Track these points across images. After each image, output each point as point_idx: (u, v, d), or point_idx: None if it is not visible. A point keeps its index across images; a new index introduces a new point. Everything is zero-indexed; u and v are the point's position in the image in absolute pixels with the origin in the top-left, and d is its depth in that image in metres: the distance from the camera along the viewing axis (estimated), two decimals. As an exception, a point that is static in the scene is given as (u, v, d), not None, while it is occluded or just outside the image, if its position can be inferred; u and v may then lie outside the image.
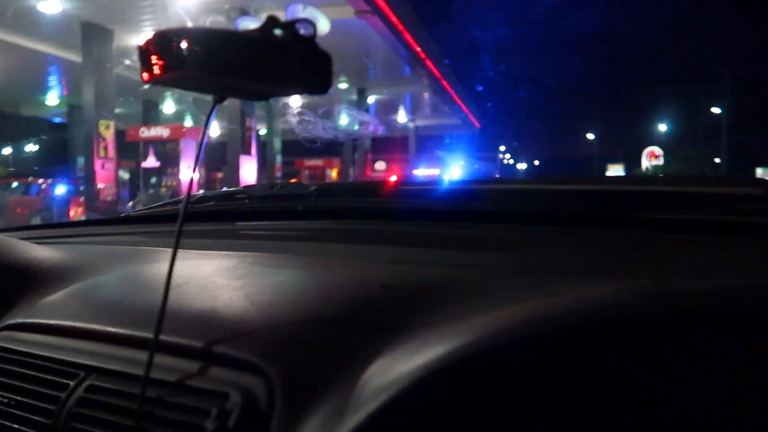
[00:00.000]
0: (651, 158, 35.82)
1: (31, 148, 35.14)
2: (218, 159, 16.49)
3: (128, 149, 13.22)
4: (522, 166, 67.48)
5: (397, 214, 0.93)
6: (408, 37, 13.36)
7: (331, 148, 23.53)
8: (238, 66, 0.44)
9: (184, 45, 0.42)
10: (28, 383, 0.55)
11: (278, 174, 20.53)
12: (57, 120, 21.48)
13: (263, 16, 0.45)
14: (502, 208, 0.87)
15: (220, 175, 21.13)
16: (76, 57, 11.69)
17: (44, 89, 17.67)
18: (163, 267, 0.50)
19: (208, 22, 0.45)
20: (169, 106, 16.90)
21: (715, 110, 26.24)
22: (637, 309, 0.41)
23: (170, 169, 12.60)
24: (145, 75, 0.44)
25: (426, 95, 19.84)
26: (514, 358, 0.38)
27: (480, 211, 0.88)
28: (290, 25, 0.44)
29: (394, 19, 12.00)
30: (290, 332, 0.50)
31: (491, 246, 0.74)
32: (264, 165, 20.54)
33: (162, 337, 0.48)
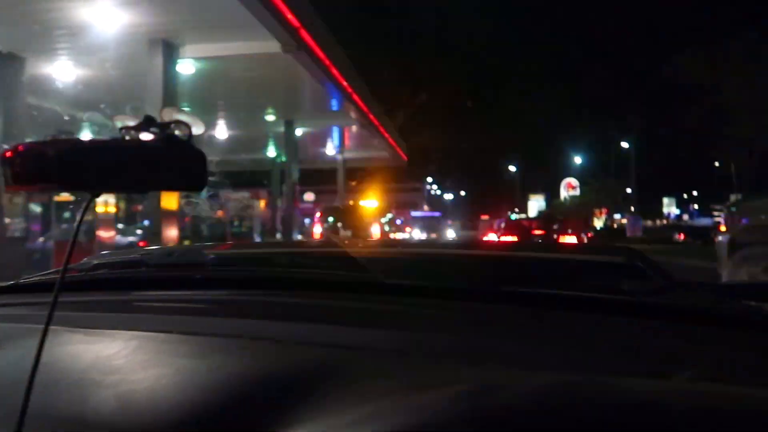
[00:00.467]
0: (569, 189, 37.65)
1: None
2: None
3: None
4: (448, 196, 69.06)
5: (295, 284, 0.93)
6: (335, 71, 13.51)
7: (258, 179, 23.25)
8: (108, 174, 0.44)
9: (50, 157, 0.42)
10: None
11: (201, 206, 19.98)
12: (-40, 150, 19.96)
13: (140, 116, 0.46)
14: (392, 279, 0.88)
15: (140, 208, 20.36)
16: (-18, 85, 11.03)
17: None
18: (45, 354, 0.46)
19: (85, 117, 0.45)
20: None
21: (625, 145, 28.01)
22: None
23: (86, 203, 12.01)
24: (11, 185, 0.44)
25: (354, 128, 20.05)
26: None
27: (372, 282, 0.89)
28: (165, 126, 0.45)
29: (320, 54, 12.12)
30: None
31: (374, 322, 0.73)
32: (188, 196, 19.95)
33: None
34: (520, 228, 19.09)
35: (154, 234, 10.93)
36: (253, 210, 19.34)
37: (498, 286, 0.79)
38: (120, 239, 12.79)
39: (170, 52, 10.49)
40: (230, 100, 14.51)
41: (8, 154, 0.43)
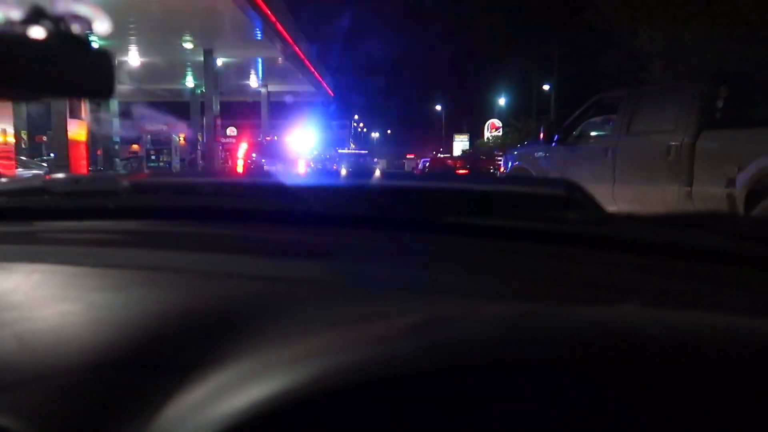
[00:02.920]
0: (492, 129, 38.49)
1: None
2: (43, 119, 14.78)
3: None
4: (375, 134, 69.08)
5: (219, 215, 0.86)
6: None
7: (177, 111, 22.14)
8: None
9: None
10: None
11: (116, 138, 18.95)
12: None
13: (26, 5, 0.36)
14: (325, 209, 0.83)
15: (44, 138, 19.00)
16: None
17: None
18: None
19: None
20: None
21: (546, 87, 28.80)
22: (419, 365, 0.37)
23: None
24: None
25: (279, 60, 19.31)
26: (312, 413, 0.35)
27: (302, 212, 0.84)
28: (59, 21, 0.38)
29: (241, -24, 11.42)
30: (62, 384, 0.42)
31: (308, 253, 0.70)
32: (99, 128, 18.78)
33: None
34: (445, 167, 19.42)
35: (60, 167, 10.24)
36: (172, 143, 18.47)
37: (439, 217, 0.76)
38: (22, 172, 11.90)
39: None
40: (143, 23, 13.49)
41: None
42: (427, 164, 22.62)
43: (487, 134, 38.44)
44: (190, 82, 22.39)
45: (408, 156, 46.61)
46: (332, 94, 28.77)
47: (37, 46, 0.37)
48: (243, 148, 18.91)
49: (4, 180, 2.01)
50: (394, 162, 45.16)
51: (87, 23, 0.39)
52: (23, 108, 12.98)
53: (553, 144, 6.89)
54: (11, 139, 11.16)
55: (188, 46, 16.55)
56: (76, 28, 0.38)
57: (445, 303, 0.51)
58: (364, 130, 67.89)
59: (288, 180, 0.96)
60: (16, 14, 0.36)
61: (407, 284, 0.57)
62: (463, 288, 0.56)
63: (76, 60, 0.39)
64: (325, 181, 1.17)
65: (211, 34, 15.57)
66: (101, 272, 0.64)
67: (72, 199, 0.96)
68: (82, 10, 0.39)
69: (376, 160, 42.43)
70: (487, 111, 42.48)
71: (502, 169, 9.70)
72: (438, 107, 54.47)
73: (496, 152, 21.84)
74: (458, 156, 30.51)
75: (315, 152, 27.65)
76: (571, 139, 6.69)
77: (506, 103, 40.93)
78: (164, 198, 0.97)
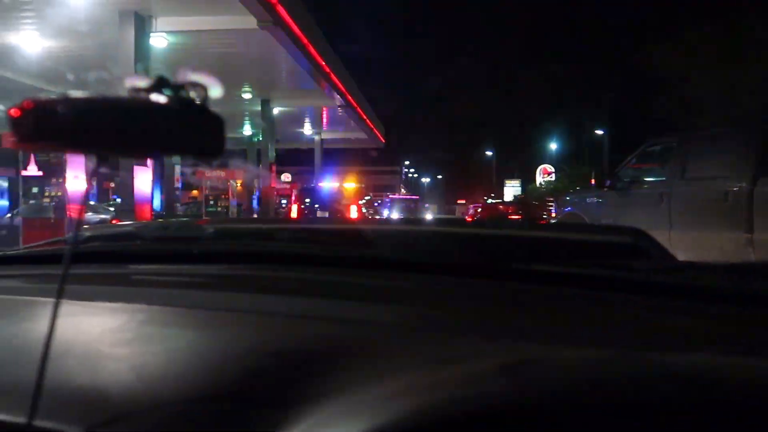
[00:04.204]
0: (544, 174, 38.01)
1: None
2: (111, 166, 15.60)
3: (7, 156, 12.15)
4: (425, 180, 69.27)
5: (295, 259, 0.90)
6: (312, 50, 13.33)
7: (234, 159, 22.94)
8: (117, 134, 0.42)
9: (57, 114, 0.40)
10: None
11: (178, 185, 19.73)
12: None
13: (153, 76, 0.43)
14: (399, 255, 0.86)
15: (112, 184, 19.98)
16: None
17: None
18: (43, 327, 0.45)
19: (94, 78, 0.42)
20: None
21: (599, 132, 28.38)
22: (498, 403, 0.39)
23: (55, 179, 11.73)
24: (14, 140, 0.42)
25: (331, 109, 19.87)
26: None
27: (377, 257, 0.86)
28: (180, 88, 0.43)
29: (297, 31, 11.93)
30: (174, 414, 0.46)
31: (389, 298, 0.72)
32: (162, 175, 19.61)
33: (37, 422, 0.43)
34: (496, 213, 19.23)
35: (125, 212, 10.73)
36: (230, 189, 19.10)
37: (508, 263, 0.77)
38: (91, 217, 12.54)
39: (142, 24, 10.22)
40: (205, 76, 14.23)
41: (16, 110, 0.41)
42: (479, 210, 22.44)
43: (539, 179, 37.99)
44: (247, 130, 23.27)
45: (458, 201, 46.37)
46: (383, 141, 29.20)
47: (160, 111, 0.42)
48: (297, 193, 19.36)
49: (98, 226, 2.11)
50: (444, 207, 45.01)
51: (203, 90, 0.44)
52: (91, 156, 13.73)
53: (606, 189, 6.80)
54: (83, 185, 11.84)
55: (247, 96, 17.29)
56: (192, 95, 0.43)
57: (524, 347, 0.51)
58: (415, 175, 68.26)
59: (359, 226, 1.02)
60: (143, 84, 0.42)
61: (480, 329, 0.58)
62: (539, 333, 0.56)
63: (192, 122, 0.43)
64: (394, 227, 1.19)
65: (268, 85, 16.23)
66: (195, 313, 0.68)
67: (162, 244, 1.03)
68: (198, 78, 0.44)
69: (426, 205, 42.44)
70: (539, 156, 42.05)
71: (554, 215, 9.57)
72: (489, 153, 54.35)
73: (547, 198, 21.49)
74: (509, 201, 30.17)
75: (367, 198, 27.96)
76: (623, 184, 6.57)
77: (558, 148, 40.45)
78: (244, 244, 1.02)
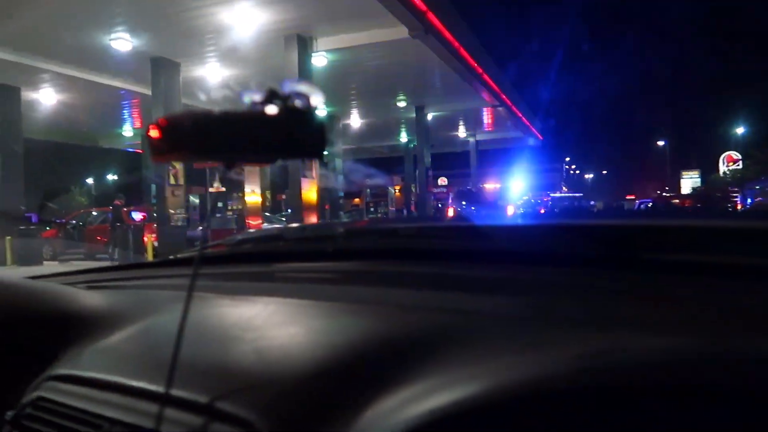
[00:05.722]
0: (729, 163, 34.05)
1: (110, 177, 37.35)
2: (283, 180, 16.92)
3: (198, 175, 13.77)
4: (589, 176, 65.60)
5: (417, 255, 0.94)
6: (464, 53, 13.32)
7: (391, 166, 23.71)
8: (237, 143, 0.48)
9: (184, 129, 0.47)
10: None
11: (341, 194, 20.87)
12: (132, 150, 22.67)
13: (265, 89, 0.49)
14: (516, 247, 0.86)
15: (283, 196, 21.70)
16: (146, 90, 12.36)
17: (120, 122, 18.76)
18: (195, 315, 0.54)
19: (221, 96, 0.47)
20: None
21: (798, 110, 24.69)
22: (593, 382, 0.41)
23: (235, 193, 13.04)
24: (152, 156, 0.49)
25: (486, 110, 19.68)
26: (487, 422, 0.41)
27: (492, 250, 0.88)
28: (288, 98, 0.48)
29: (448, 36, 12.00)
30: (288, 388, 0.53)
31: (498, 289, 0.74)
32: (327, 185, 20.92)
33: (173, 391, 0.52)
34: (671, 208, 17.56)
35: (296, 221, 11.57)
36: (388, 195, 19.74)
37: (638, 252, 0.73)
38: (267, 226, 13.67)
39: (304, 46, 10.99)
40: (362, 89, 14.91)
41: (153, 127, 0.47)
42: (650, 206, 20.69)
43: (722, 168, 34.15)
44: (403, 137, 23.90)
45: (627, 197, 43.29)
46: (541, 138, 28.22)
47: (272, 120, 0.47)
48: (453, 196, 19.43)
49: (250, 231, 2.44)
50: (612, 204, 42.25)
51: (306, 98, 0.48)
52: (267, 172, 15.06)
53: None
54: (258, 199, 13.02)
55: (402, 104, 17.76)
56: (299, 103, 0.48)
57: (620, 335, 0.51)
58: (577, 172, 65.00)
59: (481, 221, 1.00)
60: (257, 97, 0.48)
61: (590, 319, 0.58)
62: (642, 321, 0.55)
63: (299, 128, 0.48)
64: (522, 220, 1.18)
65: (422, 91, 16.53)
66: (320, 304, 0.76)
67: (300, 244, 1.15)
68: (303, 88, 0.48)
69: (592, 203, 40.19)
70: (720, 143, 37.75)
71: (739, 206, 8.52)
72: (661, 142, 49.96)
73: (730, 188, 19.09)
74: (687, 194, 27.44)
75: (525, 197, 27.21)
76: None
77: (746, 132, 35.95)
78: (371, 241, 1.10)
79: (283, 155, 0.51)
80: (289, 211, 14.30)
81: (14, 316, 0.81)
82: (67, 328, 0.79)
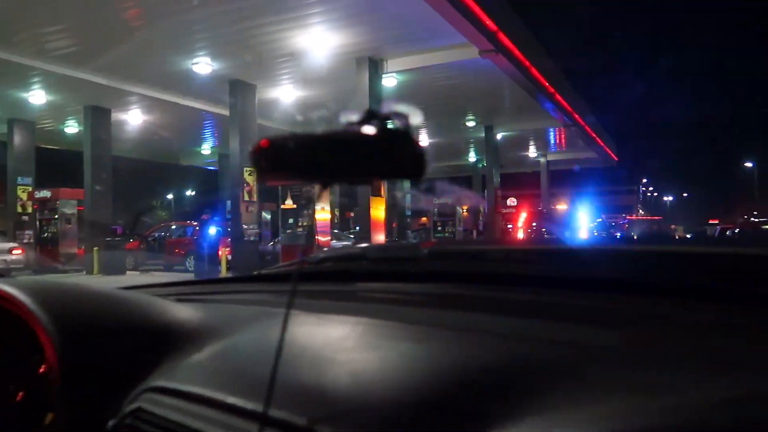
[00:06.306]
0: (825, 186, 31.55)
1: (189, 194, 39.16)
2: (351, 198, 17.16)
3: (271, 192, 14.22)
4: (668, 198, 62.71)
5: (504, 279, 0.90)
6: (534, 72, 13.13)
7: (460, 185, 23.57)
8: (336, 164, 0.47)
9: (287, 149, 0.47)
10: None
11: (408, 212, 20.90)
12: (210, 168, 23.69)
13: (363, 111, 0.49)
14: (616, 274, 0.81)
15: (351, 214, 21.98)
16: (224, 110, 12.93)
17: (199, 141, 19.67)
18: (278, 333, 0.54)
19: (315, 117, 0.50)
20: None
21: None
22: None
23: (306, 210, 13.33)
24: (258, 176, 0.50)
25: (557, 129, 19.27)
26: None
27: (597, 278, 0.83)
28: (387, 118, 0.47)
29: (519, 56, 11.88)
30: (387, 415, 0.51)
31: (602, 320, 0.69)
32: (394, 204, 21.03)
33: (271, 411, 0.52)
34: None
35: (363, 238, 11.70)
36: (456, 215, 19.60)
37: (751, 284, 0.68)
38: (335, 243, 13.90)
39: (375, 67, 11.18)
40: (431, 109, 14.96)
41: (255, 149, 0.48)
42: (736, 232, 19.50)
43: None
44: (471, 157, 23.72)
45: (710, 221, 40.97)
46: (616, 159, 27.28)
47: (372, 140, 0.46)
48: (523, 217, 19.05)
49: (331, 249, 2.41)
50: (693, 229, 40.10)
51: (405, 119, 0.48)
52: (336, 190, 15.35)
53: None
54: (328, 216, 13.26)
55: (471, 124, 17.67)
56: (397, 124, 0.47)
57: (752, 380, 0.46)
58: (655, 194, 62.26)
59: (577, 246, 0.95)
60: (354, 117, 0.47)
61: (707, 358, 0.53)
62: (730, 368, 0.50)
63: (398, 148, 0.47)
64: (619, 247, 1.12)
65: (491, 111, 16.39)
66: (411, 327, 0.73)
67: (383, 263, 1.13)
68: (402, 109, 0.48)
69: (672, 227, 38.28)
70: (817, 165, 35.10)
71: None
72: (748, 164, 47.10)
73: None
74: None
75: (599, 220, 26.30)
76: None
77: None
78: (457, 264, 1.06)
79: (383, 176, 0.50)
80: (358, 228, 14.46)
81: (113, 326, 0.82)
82: (161, 340, 0.80)
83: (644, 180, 57.15)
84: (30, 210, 15.33)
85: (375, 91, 11.12)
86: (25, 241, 14.92)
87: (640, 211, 47.96)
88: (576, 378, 0.50)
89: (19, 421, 0.89)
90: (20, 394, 0.93)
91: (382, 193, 11.97)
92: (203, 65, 11.26)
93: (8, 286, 0.85)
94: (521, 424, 0.44)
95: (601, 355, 0.56)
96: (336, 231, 15.81)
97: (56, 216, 14.84)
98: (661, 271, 0.80)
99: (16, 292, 0.83)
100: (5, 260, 13.10)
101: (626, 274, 0.80)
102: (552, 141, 22.05)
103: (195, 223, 16.76)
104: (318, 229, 12.66)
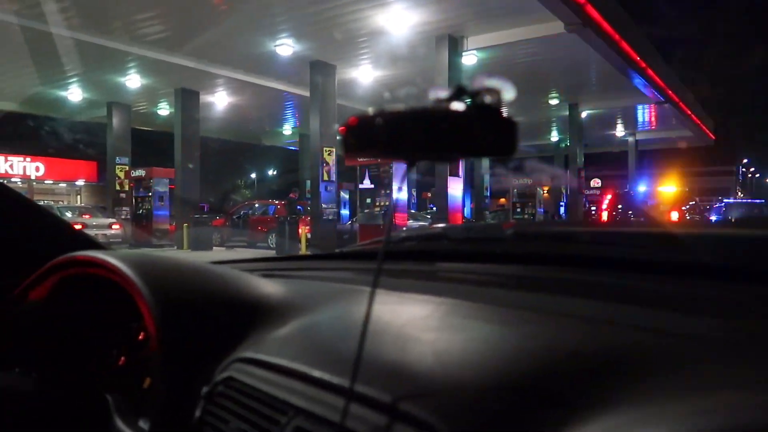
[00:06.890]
0: None
1: (270, 173, 40.44)
2: (429, 178, 17.12)
3: (349, 172, 14.42)
4: (770, 180, 58.24)
5: (593, 262, 0.87)
6: (624, 45, 12.45)
7: (541, 166, 22.92)
8: (424, 141, 0.47)
9: (375, 126, 0.47)
10: (249, 413, 0.65)
11: (486, 193, 20.59)
12: (291, 148, 24.32)
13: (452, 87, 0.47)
14: (714, 260, 0.76)
15: (429, 194, 21.93)
16: (304, 91, 13.18)
17: (280, 122, 20.20)
18: (363, 310, 0.54)
19: (403, 93, 0.49)
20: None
21: None
22: None
23: (383, 190, 13.45)
24: (344, 154, 0.50)
25: (648, 107, 18.26)
26: None
27: (692, 263, 0.78)
28: (477, 94, 0.46)
29: (608, 29, 11.30)
30: (471, 397, 0.50)
31: (700, 308, 0.65)
32: (473, 185, 20.77)
33: (357, 386, 0.53)
34: None
35: (440, 218, 11.65)
36: (536, 196, 19.12)
37: None
38: (412, 223, 13.94)
39: (455, 45, 10.99)
40: (512, 85, 14.59)
41: (343, 127, 0.48)
42: None
43: None
44: (554, 136, 22.96)
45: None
46: (713, 138, 25.54)
47: (459, 117, 0.45)
48: (608, 199, 18.29)
49: (412, 229, 2.38)
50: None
51: (497, 94, 0.46)
52: (413, 170, 15.32)
53: None
54: (405, 196, 13.29)
55: (554, 102, 17.08)
56: (488, 99, 0.46)
57: None
58: (756, 176, 57.97)
59: (669, 229, 0.91)
60: (443, 94, 0.46)
61: None
62: None
63: (487, 125, 0.46)
64: (716, 230, 1.06)
65: (576, 88, 15.76)
66: (494, 309, 0.72)
67: (466, 244, 1.11)
68: (493, 83, 0.46)
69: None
70: None
71: None
72: None
73: None
74: None
75: (691, 203, 24.84)
76: None
77: None
78: (542, 246, 1.03)
79: (472, 153, 0.49)
80: (434, 208, 14.41)
81: (207, 298, 0.86)
82: (250, 314, 0.83)
83: (744, 160, 53.32)
84: (127, 188, 16.37)
85: (454, 70, 10.94)
86: (123, 217, 15.99)
87: (739, 193, 44.82)
88: (670, 369, 0.48)
89: (121, 384, 0.95)
90: (122, 359, 0.99)
91: (460, 173, 11.84)
92: (285, 47, 11.49)
93: (113, 258, 0.90)
94: (616, 415, 0.42)
95: (699, 346, 0.53)
96: (413, 211, 15.82)
97: (150, 194, 15.74)
98: (763, 256, 0.74)
99: (120, 264, 0.87)
100: (105, 234, 14.10)
101: (724, 260, 0.75)
102: (642, 119, 20.92)
103: (276, 202, 17.27)
104: (395, 209, 12.74)
